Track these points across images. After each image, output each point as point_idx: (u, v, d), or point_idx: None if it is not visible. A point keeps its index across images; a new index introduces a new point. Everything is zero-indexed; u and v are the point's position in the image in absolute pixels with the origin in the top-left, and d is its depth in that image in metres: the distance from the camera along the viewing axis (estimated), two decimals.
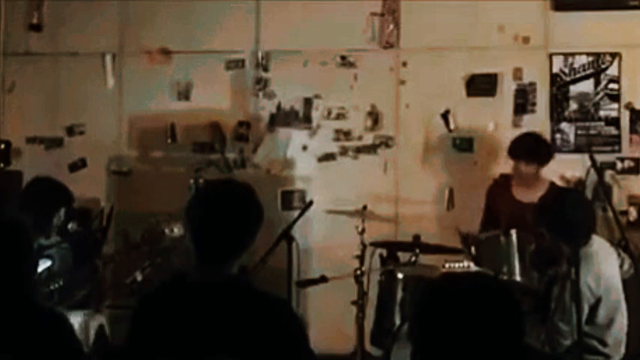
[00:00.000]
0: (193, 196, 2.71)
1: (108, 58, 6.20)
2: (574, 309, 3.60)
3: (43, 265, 4.09)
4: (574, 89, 5.78)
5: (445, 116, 5.86)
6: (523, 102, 5.81)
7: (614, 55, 5.72)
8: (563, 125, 5.78)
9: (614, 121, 5.72)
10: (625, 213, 5.46)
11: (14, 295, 2.51)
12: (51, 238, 4.21)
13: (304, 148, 6.02)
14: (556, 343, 3.77)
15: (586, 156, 4.26)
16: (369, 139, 5.96)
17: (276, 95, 6.05)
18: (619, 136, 5.71)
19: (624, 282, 4.02)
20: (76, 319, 4.13)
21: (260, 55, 6.07)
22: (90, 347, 4.12)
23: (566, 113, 5.78)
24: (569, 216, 3.72)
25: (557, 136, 5.77)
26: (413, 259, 4.59)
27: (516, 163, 5.04)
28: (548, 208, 3.88)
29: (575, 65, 5.77)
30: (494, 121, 5.79)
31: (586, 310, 3.79)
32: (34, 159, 6.08)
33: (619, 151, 5.70)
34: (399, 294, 4.39)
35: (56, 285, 4.12)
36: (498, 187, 5.26)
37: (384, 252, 4.80)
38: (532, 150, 5.04)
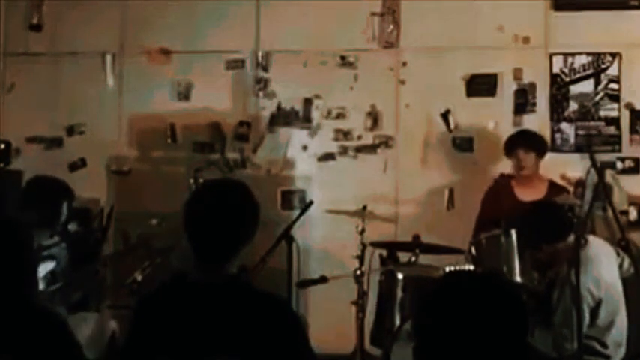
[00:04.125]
0: (190, 196, 2.70)
1: (108, 57, 6.19)
2: (575, 312, 3.61)
3: (46, 265, 4.08)
4: (574, 89, 5.78)
5: (445, 116, 5.86)
6: (523, 102, 5.81)
7: (614, 55, 5.72)
8: (563, 125, 5.78)
9: (614, 121, 5.72)
10: (625, 213, 5.46)
11: (14, 295, 2.51)
12: (51, 238, 4.20)
13: (304, 148, 6.02)
14: (562, 348, 3.77)
15: (586, 156, 4.25)
16: (368, 139, 5.95)
17: (276, 95, 6.05)
18: (619, 136, 5.71)
19: (624, 281, 4.03)
20: (90, 322, 4.13)
21: (260, 55, 6.07)
22: (102, 353, 4.09)
23: (566, 113, 5.78)
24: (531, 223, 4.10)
25: (557, 136, 5.76)
26: (413, 259, 4.60)
27: (515, 155, 5.09)
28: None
29: (575, 65, 5.77)
30: (495, 121, 5.79)
31: (587, 313, 3.79)
32: (34, 159, 6.06)
33: (619, 151, 5.70)
34: (399, 294, 4.39)
35: (57, 285, 4.12)
36: (499, 188, 5.27)
37: (384, 252, 4.80)
38: (528, 137, 5.21)
